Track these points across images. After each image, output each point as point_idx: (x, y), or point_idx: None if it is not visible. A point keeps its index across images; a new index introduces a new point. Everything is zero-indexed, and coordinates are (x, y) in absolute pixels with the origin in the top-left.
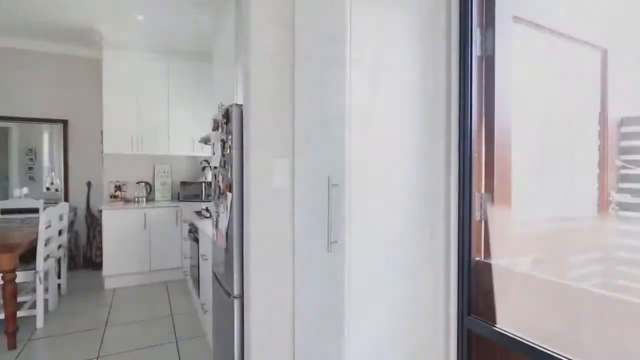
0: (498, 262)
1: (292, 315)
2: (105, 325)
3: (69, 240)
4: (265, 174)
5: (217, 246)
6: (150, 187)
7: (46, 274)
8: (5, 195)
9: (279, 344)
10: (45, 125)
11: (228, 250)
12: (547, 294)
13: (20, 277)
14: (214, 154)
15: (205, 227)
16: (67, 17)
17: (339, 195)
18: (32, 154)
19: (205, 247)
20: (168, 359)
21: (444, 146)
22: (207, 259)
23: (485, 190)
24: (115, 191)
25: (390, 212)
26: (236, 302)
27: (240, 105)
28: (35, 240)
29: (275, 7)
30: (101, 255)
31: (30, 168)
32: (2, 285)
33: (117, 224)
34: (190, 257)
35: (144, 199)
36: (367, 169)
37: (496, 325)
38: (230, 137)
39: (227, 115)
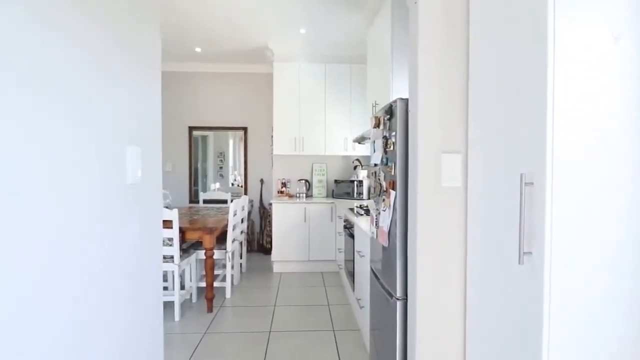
0: None
1: (463, 326)
2: (275, 304)
3: (247, 227)
4: (434, 171)
5: (378, 244)
6: (309, 184)
7: (232, 254)
8: (205, 189)
9: (447, 353)
10: (230, 132)
11: (389, 249)
12: None
13: (216, 254)
14: (374, 151)
15: (362, 224)
16: (249, 40)
17: (535, 196)
18: (222, 157)
19: (361, 244)
20: (327, 346)
21: None
22: (363, 256)
23: None
24: (282, 187)
25: (606, 221)
26: (399, 304)
27: (406, 100)
28: (226, 226)
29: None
30: (270, 242)
31: (220, 167)
32: (204, 260)
33: (283, 216)
34: (344, 251)
35: (304, 195)
36: (575, 165)
37: None
38: (393, 133)
39: (390, 110)
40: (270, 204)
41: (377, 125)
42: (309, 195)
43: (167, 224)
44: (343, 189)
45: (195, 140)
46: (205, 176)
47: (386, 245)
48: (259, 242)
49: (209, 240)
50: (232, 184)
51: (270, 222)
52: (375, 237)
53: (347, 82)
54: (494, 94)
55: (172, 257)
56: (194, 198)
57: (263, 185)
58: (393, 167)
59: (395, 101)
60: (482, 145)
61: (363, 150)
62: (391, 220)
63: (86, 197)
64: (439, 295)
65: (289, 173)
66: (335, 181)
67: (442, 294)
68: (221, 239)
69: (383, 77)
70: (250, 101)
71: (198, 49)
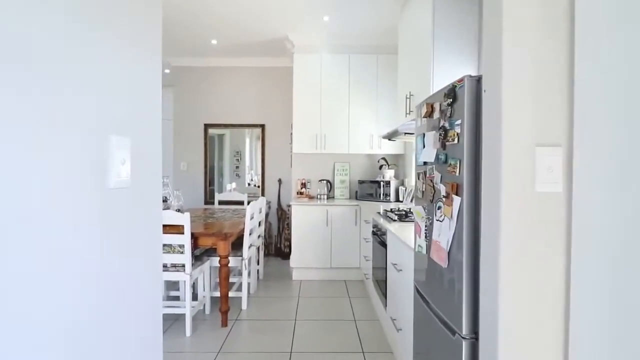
0: None
1: None
2: (295, 318)
3: (264, 230)
4: (523, 171)
5: (426, 260)
6: (330, 185)
7: (249, 260)
8: (220, 189)
9: None
10: (247, 130)
11: (449, 271)
12: None
13: (231, 262)
14: (423, 147)
15: (396, 231)
16: (268, 30)
17: None
18: (238, 155)
19: (397, 255)
20: None
21: None
22: (401, 270)
23: None
24: (301, 188)
25: None
26: (465, 344)
27: (477, 77)
28: (242, 230)
29: None
30: (289, 246)
31: (237, 167)
32: (218, 268)
33: (302, 219)
34: (372, 259)
35: (325, 196)
36: None
37: None
38: (457, 122)
39: (453, 93)
40: (289, 206)
41: (428, 115)
42: (330, 196)
43: (178, 228)
44: (367, 190)
45: (211, 139)
46: (221, 176)
47: (445, 265)
48: (276, 246)
49: (223, 247)
50: (249, 184)
51: (289, 225)
52: (424, 252)
53: (373, 74)
54: (621, 55)
55: (183, 265)
56: (209, 199)
57: (281, 185)
58: (458, 165)
59: (461, 80)
60: (600, 134)
61: (390, 148)
62: (453, 235)
63: (39, 208)
64: (528, 340)
65: (309, 173)
66: (359, 182)
67: (533, 339)
68: (237, 244)
69: (421, 65)
70: (269, 97)
71: (214, 41)
